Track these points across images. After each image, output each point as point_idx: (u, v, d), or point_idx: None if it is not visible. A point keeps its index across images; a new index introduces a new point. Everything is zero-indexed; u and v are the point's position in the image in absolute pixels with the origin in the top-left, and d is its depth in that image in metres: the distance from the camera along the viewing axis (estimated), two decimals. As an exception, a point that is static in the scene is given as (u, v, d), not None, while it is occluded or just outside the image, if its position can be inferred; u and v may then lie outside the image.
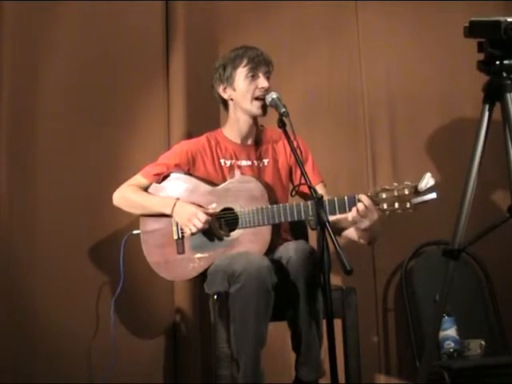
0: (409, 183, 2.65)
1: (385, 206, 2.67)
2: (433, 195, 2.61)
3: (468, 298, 3.67)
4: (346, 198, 2.74)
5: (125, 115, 3.54)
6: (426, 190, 2.60)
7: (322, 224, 2.49)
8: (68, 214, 3.36)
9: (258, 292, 2.66)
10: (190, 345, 3.49)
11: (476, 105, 2.42)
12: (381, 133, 3.86)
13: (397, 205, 2.66)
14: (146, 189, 3.05)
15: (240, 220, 2.88)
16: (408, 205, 2.64)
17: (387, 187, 2.68)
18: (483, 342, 3.48)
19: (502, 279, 3.76)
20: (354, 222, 2.75)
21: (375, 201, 2.69)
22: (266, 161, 3.08)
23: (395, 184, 2.68)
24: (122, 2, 3.54)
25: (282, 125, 2.77)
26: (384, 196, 2.68)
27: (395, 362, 3.74)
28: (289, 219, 2.82)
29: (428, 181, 2.59)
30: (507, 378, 3.39)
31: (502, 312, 3.69)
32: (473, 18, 2.30)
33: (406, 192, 2.64)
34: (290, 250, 2.76)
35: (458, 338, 3.46)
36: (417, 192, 2.62)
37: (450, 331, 3.45)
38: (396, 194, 2.66)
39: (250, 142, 3.09)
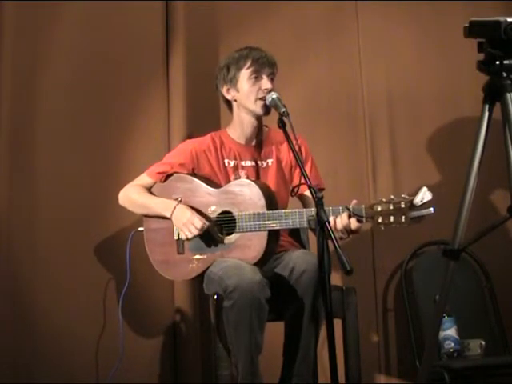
0: (406, 196, 2.57)
1: (380, 220, 2.60)
2: (429, 210, 2.53)
3: (468, 297, 3.67)
4: (330, 208, 2.68)
5: (125, 115, 3.54)
6: (422, 205, 2.52)
7: (321, 224, 2.49)
8: (68, 213, 3.36)
9: (251, 307, 2.68)
10: (189, 345, 3.48)
11: (476, 105, 2.42)
12: (381, 133, 3.85)
13: (392, 218, 2.57)
14: (150, 188, 3.05)
15: (237, 224, 2.88)
16: (403, 219, 2.55)
17: (383, 200, 2.61)
18: (483, 342, 3.48)
19: (502, 279, 3.75)
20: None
21: (370, 213, 2.62)
22: (269, 161, 3.07)
23: (392, 197, 2.60)
24: (122, 1, 3.54)
25: (282, 125, 2.77)
26: (379, 209, 2.60)
27: (395, 362, 3.74)
28: (284, 227, 2.82)
29: (424, 195, 2.51)
30: (507, 378, 3.40)
31: (502, 312, 3.69)
32: (473, 18, 2.30)
33: (402, 205, 2.55)
34: (307, 264, 2.75)
35: (457, 338, 3.45)
36: (413, 206, 2.54)
37: (450, 331, 3.45)
38: (392, 207, 2.58)
39: (254, 142, 3.09)
